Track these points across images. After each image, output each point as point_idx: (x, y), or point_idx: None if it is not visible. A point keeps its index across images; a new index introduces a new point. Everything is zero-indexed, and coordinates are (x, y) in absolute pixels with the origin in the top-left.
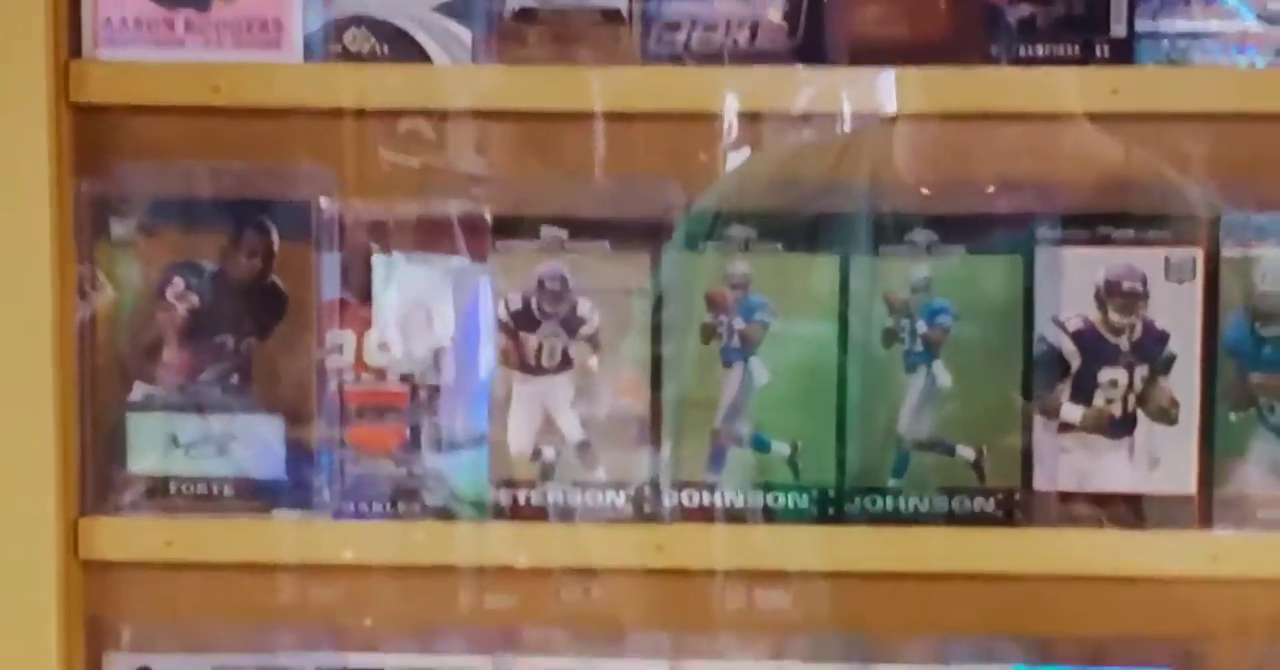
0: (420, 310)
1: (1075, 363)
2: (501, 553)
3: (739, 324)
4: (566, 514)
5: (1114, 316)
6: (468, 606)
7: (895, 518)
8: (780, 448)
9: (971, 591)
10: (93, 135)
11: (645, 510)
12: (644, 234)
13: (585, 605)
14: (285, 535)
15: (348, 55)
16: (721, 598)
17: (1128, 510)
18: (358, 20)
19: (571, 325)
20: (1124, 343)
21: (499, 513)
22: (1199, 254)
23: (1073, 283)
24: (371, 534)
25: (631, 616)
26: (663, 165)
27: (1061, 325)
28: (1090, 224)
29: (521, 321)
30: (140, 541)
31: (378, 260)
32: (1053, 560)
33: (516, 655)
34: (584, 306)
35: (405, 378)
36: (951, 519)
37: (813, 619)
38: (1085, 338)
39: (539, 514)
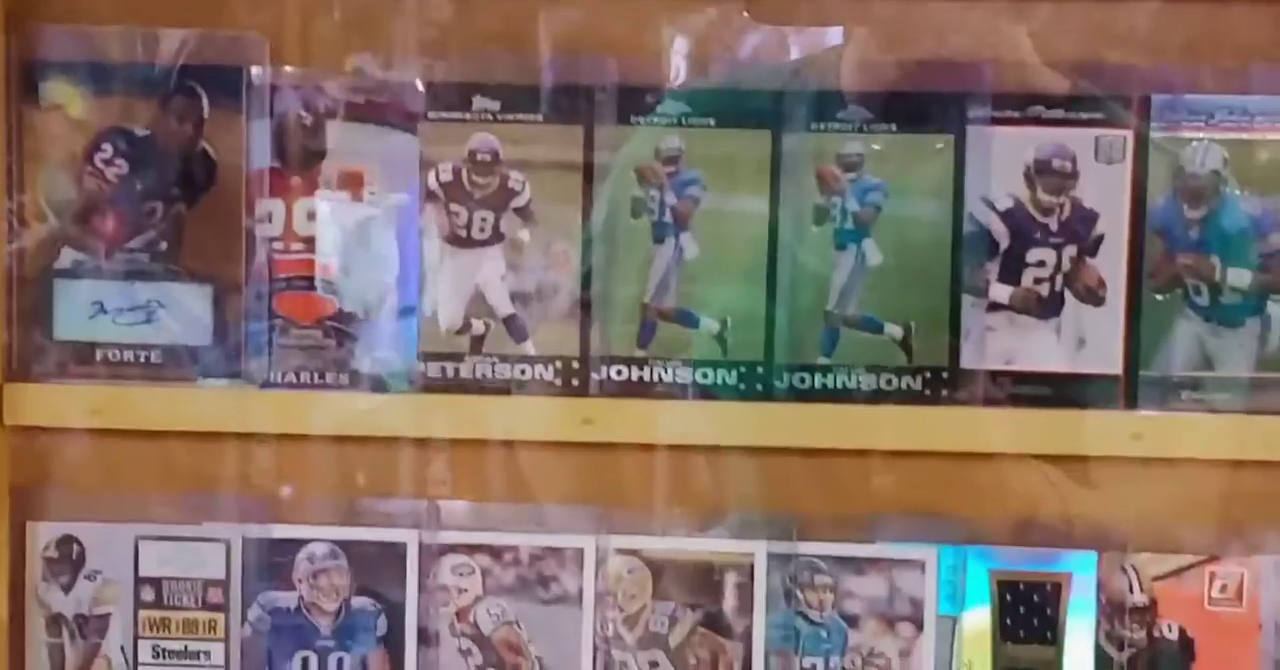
0: (350, 179)
1: (1004, 242)
2: (429, 425)
3: (670, 199)
4: (495, 387)
5: (1043, 196)
6: (394, 479)
7: (823, 395)
8: (709, 324)
9: (898, 469)
10: None
11: (574, 384)
12: (577, 107)
13: (512, 478)
14: (212, 404)
15: None
16: (649, 473)
17: (1054, 390)
18: None
19: (503, 198)
20: (1053, 223)
21: (427, 385)
22: (1129, 135)
23: (1003, 162)
24: (299, 404)
25: (558, 490)
26: (598, 41)
27: (991, 204)
28: (1021, 104)
29: (452, 193)
30: (66, 408)
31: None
32: (979, 439)
33: (443, 528)
34: (515, 179)
35: (334, 249)
36: (879, 396)
37: (740, 495)
38: (1014, 217)
39: (467, 387)
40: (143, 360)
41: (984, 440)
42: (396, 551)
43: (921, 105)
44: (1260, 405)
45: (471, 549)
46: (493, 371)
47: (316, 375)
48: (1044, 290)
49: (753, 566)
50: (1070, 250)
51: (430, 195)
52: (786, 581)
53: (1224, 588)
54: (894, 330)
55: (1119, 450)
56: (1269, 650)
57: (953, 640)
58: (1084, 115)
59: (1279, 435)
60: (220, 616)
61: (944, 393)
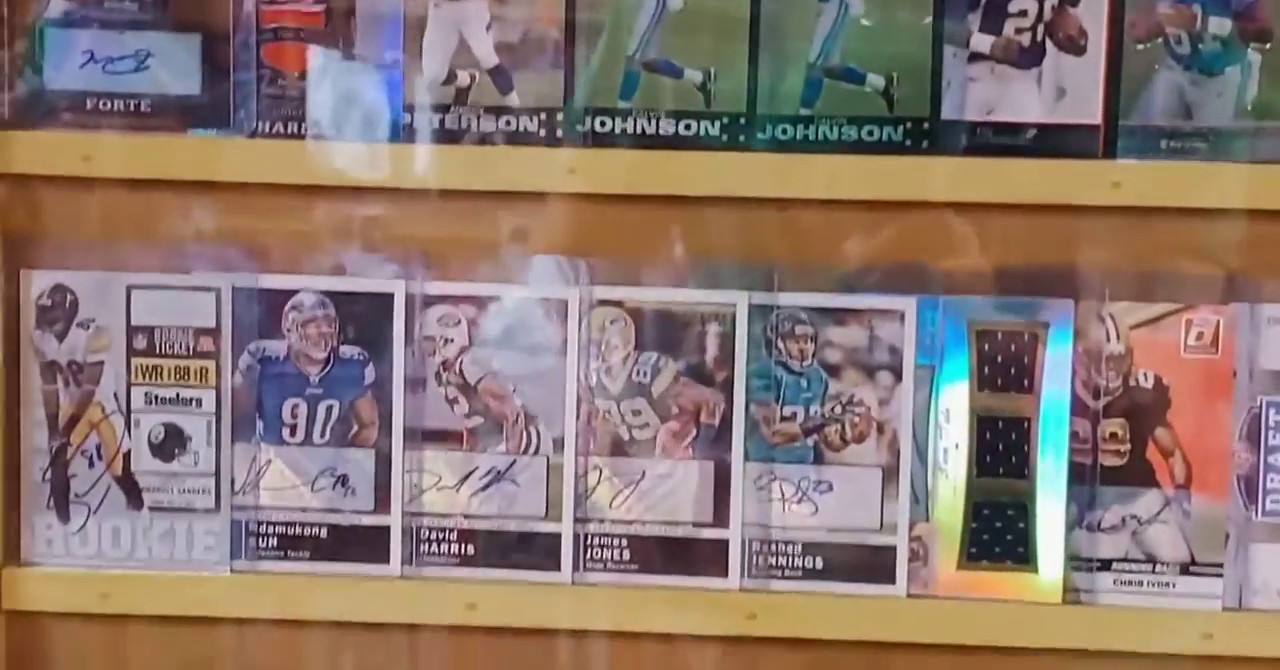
0: None
1: None
2: (415, 175)
3: None
4: (480, 138)
5: None
6: (381, 230)
7: (805, 146)
8: (692, 75)
9: (879, 220)
10: None
11: (557, 135)
12: None
13: (495, 229)
14: (201, 153)
15: None
16: (633, 224)
17: (1034, 139)
18: None
19: None
20: None
21: (412, 137)
22: None
23: None
24: (286, 154)
25: (541, 241)
26: None
27: None
28: None
29: None
30: (57, 156)
31: None
32: (958, 189)
33: (429, 278)
34: None
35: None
36: (860, 147)
37: (720, 247)
38: None
39: (453, 138)
40: (132, 110)
41: (964, 190)
42: (383, 302)
43: None
44: (1238, 154)
45: (457, 300)
46: (478, 123)
47: (304, 126)
48: (1025, 40)
49: (734, 317)
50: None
51: None
52: (767, 331)
53: (1200, 335)
54: (875, 81)
55: (1098, 199)
56: (1242, 396)
57: (931, 389)
58: None
59: (1257, 184)
60: (211, 364)
61: (925, 143)
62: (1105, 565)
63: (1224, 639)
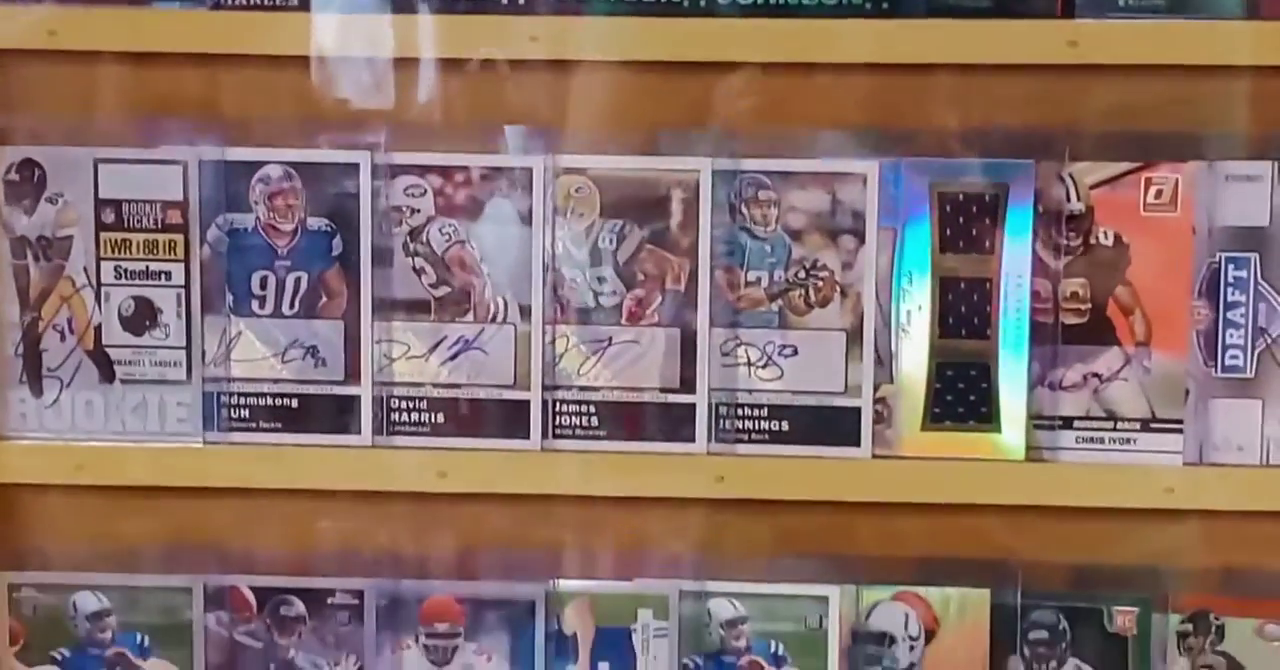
0: None
1: None
2: (380, 45)
3: None
4: (444, 5)
5: None
6: (346, 102)
7: (767, 10)
8: None
9: (841, 84)
10: None
11: (520, 1)
12: None
13: (460, 98)
14: (166, 25)
15: None
16: (594, 91)
17: (994, 1)
18: None
19: None
20: None
21: (376, 6)
22: None
23: None
24: (251, 24)
25: (505, 110)
26: None
27: None
28: None
29: None
30: (23, 30)
31: None
32: (919, 51)
33: (393, 150)
34: None
35: None
36: (822, 10)
37: (683, 113)
38: None
39: (414, 7)
40: None
41: (925, 53)
42: (350, 173)
43: None
44: (1195, 10)
45: (423, 170)
46: None
47: None
48: None
49: (698, 183)
50: None
51: None
52: (731, 197)
53: (1159, 193)
54: None
55: (1056, 59)
56: (1201, 253)
57: (893, 252)
58: None
59: (1214, 41)
60: (180, 237)
61: (885, 5)
62: (1067, 423)
63: (1185, 493)
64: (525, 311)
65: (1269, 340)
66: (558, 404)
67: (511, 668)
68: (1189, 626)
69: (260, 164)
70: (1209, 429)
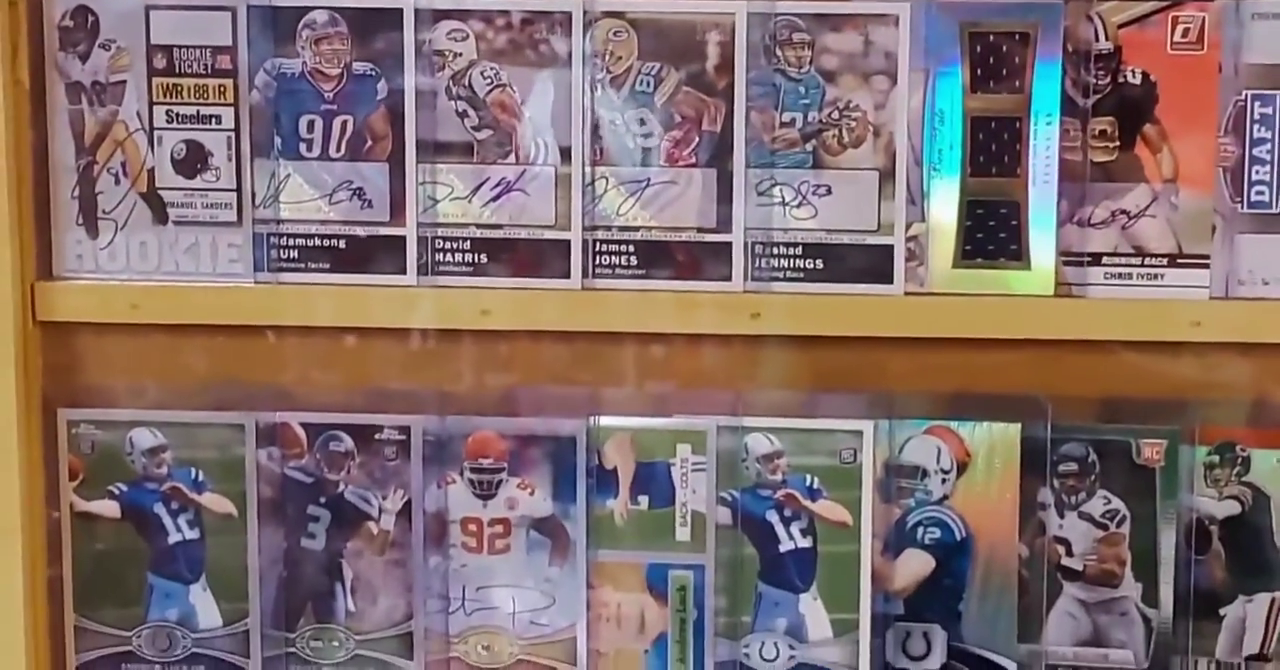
0: None
1: None
2: None
3: None
4: None
5: None
6: None
7: None
8: None
9: None
10: None
11: None
12: None
13: None
14: None
15: None
16: None
17: None
18: None
19: None
20: None
21: None
22: None
23: None
24: None
25: None
26: None
27: None
28: None
29: None
30: None
31: None
32: None
33: None
34: None
35: None
36: None
37: None
38: None
39: None
40: None
41: None
42: (393, 17)
43: None
44: None
45: (464, 14)
46: None
47: None
48: None
49: (733, 25)
50: None
51: None
52: (766, 39)
53: (1186, 32)
54: None
55: None
56: (1228, 90)
57: (925, 92)
58: None
59: None
60: (229, 82)
61: None
62: (1095, 259)
63: (1211, 326)
64: (565, 153)
65: None
66: (597, 243)
67: (554, 501)
68: (1215, 458)
69: (307, 9)
70: (1235, 263)
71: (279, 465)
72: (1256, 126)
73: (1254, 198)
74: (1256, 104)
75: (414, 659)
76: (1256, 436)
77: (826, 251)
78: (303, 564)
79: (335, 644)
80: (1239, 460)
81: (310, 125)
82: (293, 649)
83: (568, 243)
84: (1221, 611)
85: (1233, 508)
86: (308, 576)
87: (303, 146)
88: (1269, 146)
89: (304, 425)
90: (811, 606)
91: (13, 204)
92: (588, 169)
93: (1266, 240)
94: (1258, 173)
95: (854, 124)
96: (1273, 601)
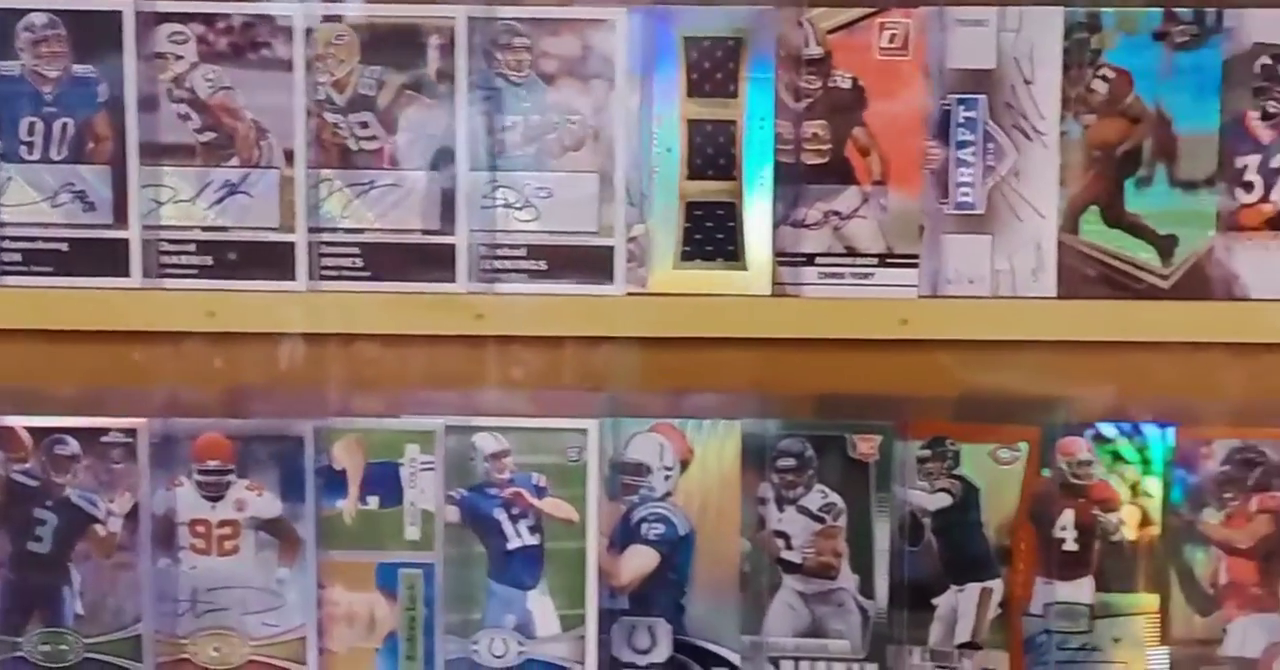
0: None
1: None
2: None
3: None
4: None
5: None
6: None
7: None
8: None
9: None
10: None
11: None
12: None
13: None
14: None
15: None
16: None
17: None
18: None
19: None
20: None
21: None
22: None
23: None
24: None
25: None
26: None
27: None
28: None
29: None
30: None
31: None
32: None
33: None
34: None
35: None
36: None
37: None
38: None
39: None
40: None
41: None
42: (113, 19)
43: None
44: None
45: (186, 17)
46: None
47: None
48: None
49: (454, 30)
50: None
51: None
52: (486, 43)
53: (892, 38)
54: None
55: None
56: (932, 93)
57: (643, 96)
58: None
59: None
60: None
61: None
62: (809, 259)
63: (919, 324)
64: (289, 156)
65: (998, 177)
66: (322, 246)
67: (283, 502)
68: (927, 452)
69: (25, 11)
70: (942, 263)
71: (3, 469)
72: (961, 130)
73: (959, 199)
74: (960, 108)
75: (144, 661)
76: (965, 431)
77: (549, 253)
78: (29, 568)
79: (64, 647)
80: (949, 454)
81: (30, 128)
82: (20, 653)
83: (292, 245)
84: (935, 601)
85: (944, 500)
86: (35, 580)
87: (23, 149)
88: (973, 149)
89: (29, 429)
90: (539, 603)
91: None
92: (311, 172)
93: (971, 240)
94: (963, 175)
95: (574, 127)
96: (983, 591)
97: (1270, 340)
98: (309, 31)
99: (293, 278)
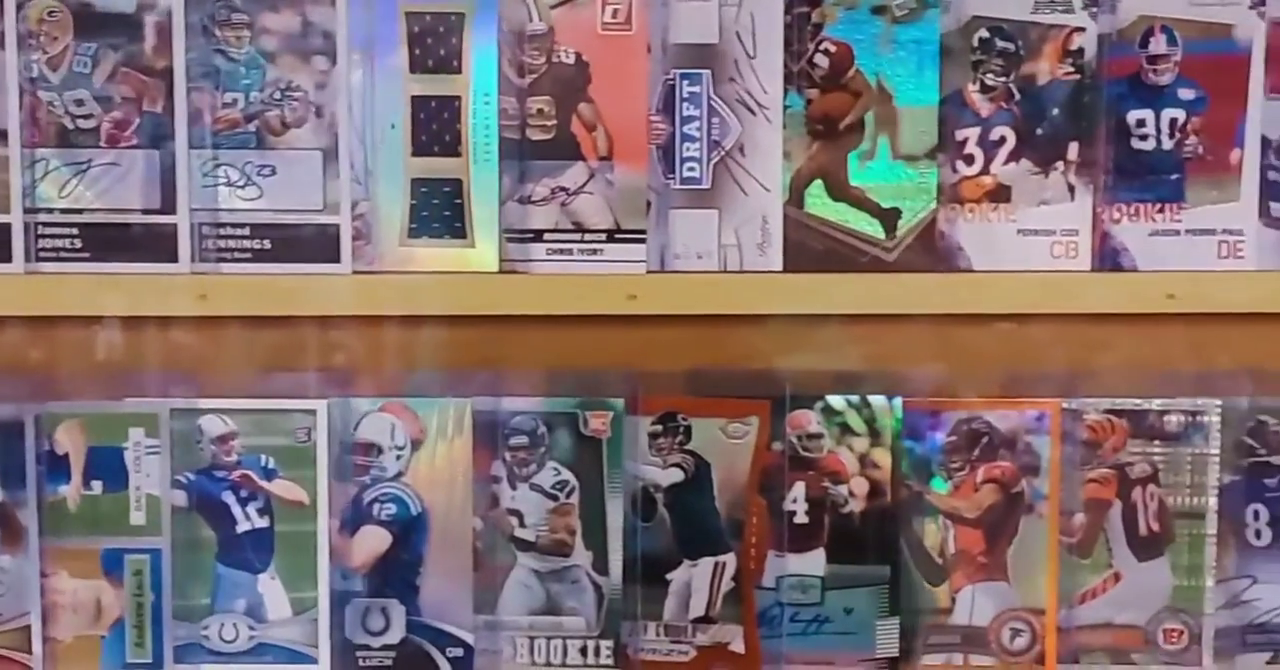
0: None
1: None
2: None
3: None
4: None
5: None
6: None
7: None
8: None
9: None
10: None
11: None
12: None
13: None
14: None
15: None
16: None
17: None
18: None
19: None
20: None
21: None
22: None
23: None
24: None
25: None
26: None
27: None
28: None
29: None
30: None
31: None
32: None
33: None
34: None
35: None
36: None
37: None
38: None
39: None
40: None
41: None
42: None
43: None
44: None
45: None
46: None
47: None
48: None
49: (170, 6)
50: None
51: None
52: (204, 19)
53: (615, 13)
54: None
55: None
56: (656, 70)
57: (365, 72)
58: None
59: None
60: None
61: None
62: (538, 236)
63: (647, 299)
64: (3, 135)
65: (723, 152)
66: (40, 227)
67: (3, 489)
68: (659, 427)
69: None
70: (670, 238)
71: None
72: (686, 105)
73: (686, 174)
74: (685, 83)
75: None
76: (696, 405)
77: (274, 232)
78: None
79: None
80: (680, 429)
81: None
82: None
83: (8, 226)
84: (668, 576)
85: (676, 475)
86: None
87: None
88: (698, 124)
89: None
90: (270, 586)
91: None
92: (26, 152)
93: (699, 215)
94: (688, 150)
95: (296, 104)
96: (716, 565)
97: (994, 311)
98: (19, 7)
99: (9, 260)
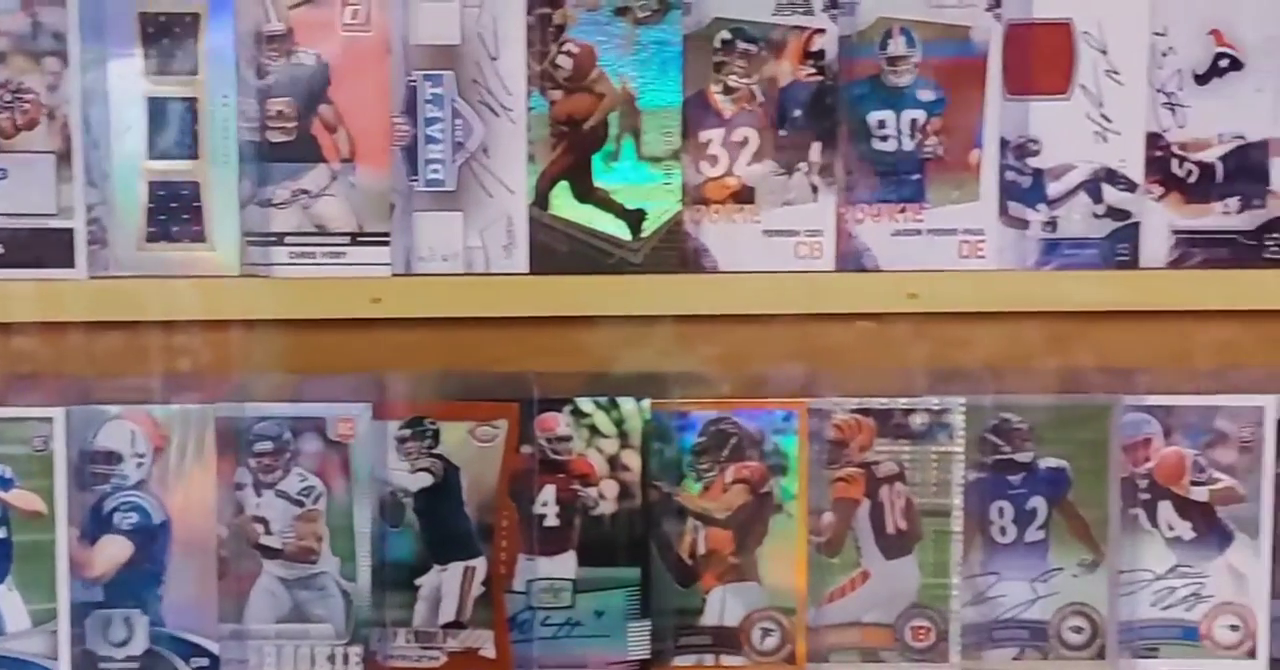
0: None
1: None
2: None
3: None
4: None
5: None
6: None
7: None
8: None
9: None
10: None
11: None
12: None
13: None
14: None
15: None
16: None
17: None
18: None
19: None
20: None
21: None
22: None
23: None
24: None
25: None
26: None
27: None
28: None
29: None
30: None
31: None
32: None
33: None
34: None
35: None
36: None
37: None
38: None
39: None
40: None
41: None
42: None
43: None
44: None
45: None
46: None
47: None
48: None
49: None
50: None
51: None
52: None
53: (355, 14)
54: None
55: None
56: (398, 71)
57: (99, 73)
58: None
59: None
60: None
61: None
62: (280, 238)
63: (391, 302)
64: None
65: (468, 154)
66: None
67: None
68: (406, 431)
69: None
70: (414, 241)
71: None
72: (428, 106)
73: (429, 176)
74: (427, 84)
75: None
76: (443, 409)
77: (6, 236)
78: None
79: None
80: (428, 433)
81: None
82: None
83: None
84: (418, 581)
85: (425, 480)
86: None
87: None
88: (442, 126)
89: None
90: (8, 598)
91: None
92: None
93: (443, 217)
94: (432, 151)
95: (27, 106)
96: (466, 570)
97: (740, 311)
98: None
99: None
